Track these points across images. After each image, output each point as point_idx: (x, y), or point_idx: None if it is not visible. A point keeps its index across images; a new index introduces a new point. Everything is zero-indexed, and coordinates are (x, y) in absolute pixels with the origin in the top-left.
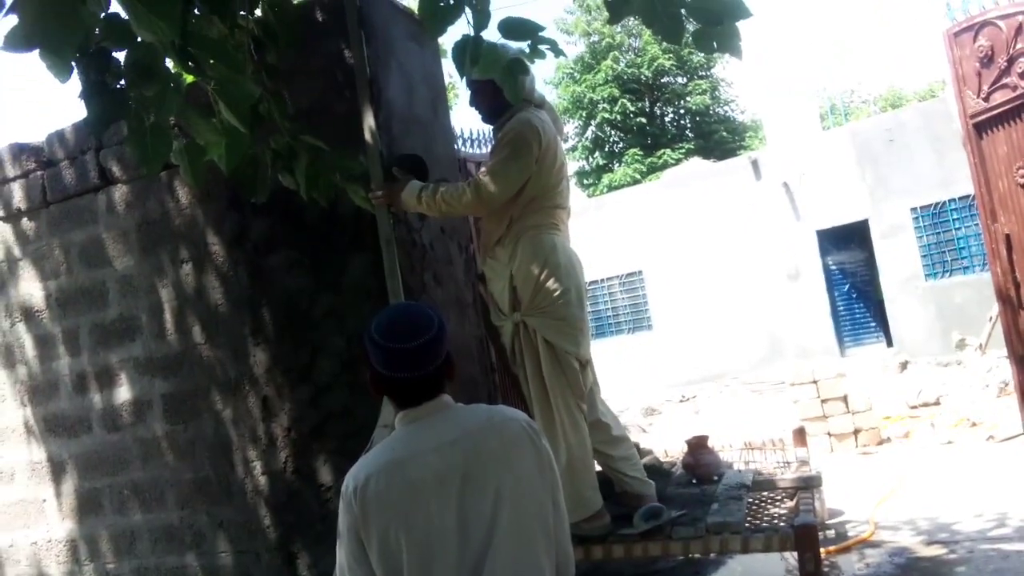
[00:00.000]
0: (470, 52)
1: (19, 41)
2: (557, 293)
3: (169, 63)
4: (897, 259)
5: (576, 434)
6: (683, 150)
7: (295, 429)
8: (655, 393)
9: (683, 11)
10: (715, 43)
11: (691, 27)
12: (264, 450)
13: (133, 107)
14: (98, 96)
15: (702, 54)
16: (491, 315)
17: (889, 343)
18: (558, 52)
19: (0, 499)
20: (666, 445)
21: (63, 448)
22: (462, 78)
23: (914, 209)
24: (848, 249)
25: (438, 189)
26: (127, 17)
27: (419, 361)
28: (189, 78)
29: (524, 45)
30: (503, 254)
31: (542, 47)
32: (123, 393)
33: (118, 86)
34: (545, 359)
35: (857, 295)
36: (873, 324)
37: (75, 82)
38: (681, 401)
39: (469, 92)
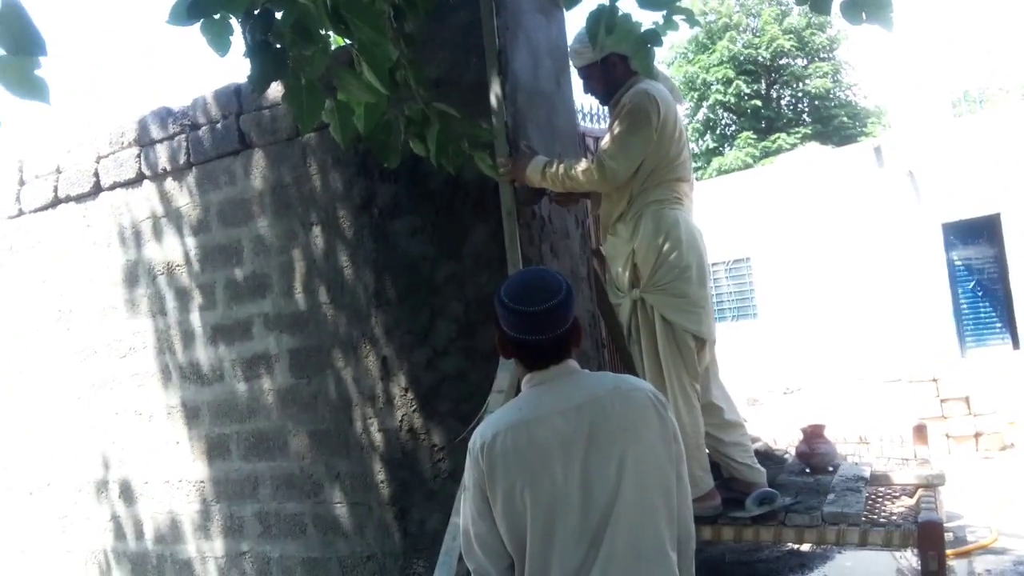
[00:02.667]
0: (605, 21)
1: (184, 13)
2: (678, 270)
3: None
4: None
5: (689, 413)
6: (799, 135)
7: (412, 390)
8: (757, 383)
9: None
10: (864, 14)
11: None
12: (381, 408)
13: (291, 67)
14: (261, 56)
15: (824, 35)
16: (609, 293)
17: (1016, 344)
18: (693, 22)
19: (139, 439)
20: (769, 436)
21: (197, 394)
22: (594, 48)
23: None
24: (975, 244)
25: (562, 165)
26: None
27: (546, 324)
28: (338, 41)
29: (659, 16)
30: (624, 231)
31: (676, 18)
32: (253, 346)
33: (278, 46)
34: (662, 337)
35: (983, 293)
36: (999, 324)
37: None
38: (785, 393)
39: (582, 81)
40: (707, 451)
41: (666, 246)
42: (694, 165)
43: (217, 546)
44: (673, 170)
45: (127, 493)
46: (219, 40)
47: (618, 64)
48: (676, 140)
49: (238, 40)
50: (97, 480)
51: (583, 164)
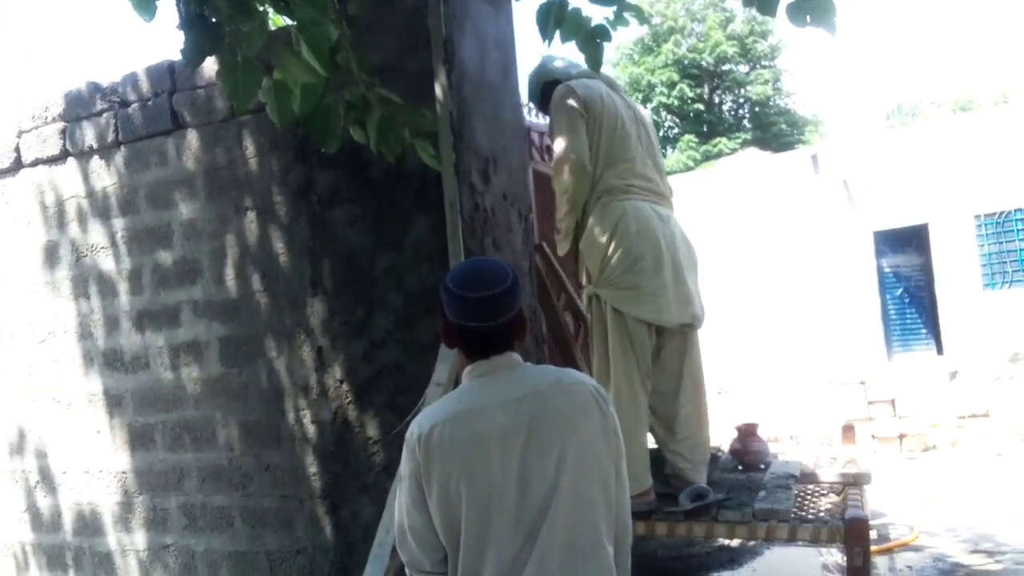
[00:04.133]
0: (554, 15)
1: None
2: (626, 263)
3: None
4: (956, 266)
5: (633, 409)
6: (740, 140)
7: (347, 381)
8: None
9: None
10: (808, 17)
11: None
12: (315, 399)
13: (227, 42)
14: (196, 29)
15: (766, 43)
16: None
17: (939, 350)
18: (643, 20)
19: (57, 427)
20: None
21: (120, 382)
22: (543, 41)
23: (977, 216)
24: (904, 252)
25: (557, 214)
26: None
27: (490, 311)
28: (277, 20)
29: (610, 12)
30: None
31: (626, 14)
32: (181, 334)
33: (214, 20)
34: (612, 330)
35: (910, 300)
36: (924, 330)
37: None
38: (719, 393)
39: (539, 106)
40: (653, 446)
41: (613, 242)
42: None
43: (139, 539)
44: (619, 149)
45: (44, 483)
46: (144, 3)
47: (548, 90)
48: (608, 110)
49: (173, 13)
50: (12, 469)
51: (558, 189)
